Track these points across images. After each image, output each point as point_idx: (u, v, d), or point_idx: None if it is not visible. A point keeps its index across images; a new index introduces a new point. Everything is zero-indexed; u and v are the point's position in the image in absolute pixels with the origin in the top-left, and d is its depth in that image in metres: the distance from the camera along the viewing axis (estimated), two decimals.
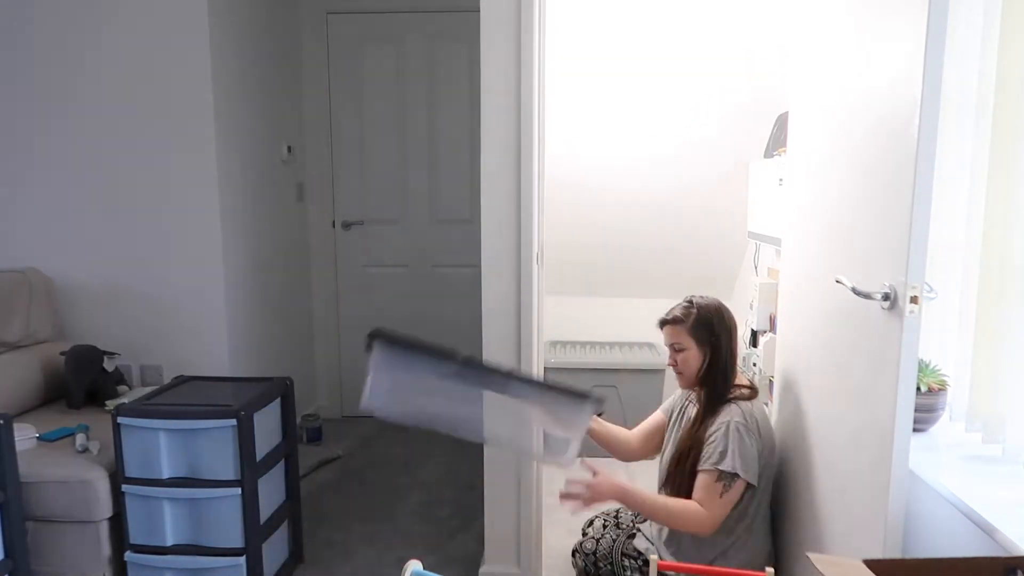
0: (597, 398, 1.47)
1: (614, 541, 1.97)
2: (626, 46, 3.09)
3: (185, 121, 2.76)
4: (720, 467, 1.75)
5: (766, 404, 2.07)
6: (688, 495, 1.80)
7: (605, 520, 2.10)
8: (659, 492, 1.97)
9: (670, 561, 1.83)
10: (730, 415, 1.80)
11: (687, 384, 1.94)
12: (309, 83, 3.78)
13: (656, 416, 2.12)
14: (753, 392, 1.89)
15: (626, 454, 2.11)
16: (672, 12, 3.02)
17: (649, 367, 3.31)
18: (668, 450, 1.99)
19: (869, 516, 1.59)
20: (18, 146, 2.81)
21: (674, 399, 2.08)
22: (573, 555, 2.03)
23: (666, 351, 1.97)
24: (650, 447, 2.09)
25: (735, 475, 1.74)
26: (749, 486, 1.79)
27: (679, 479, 1.86)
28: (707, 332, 1.87)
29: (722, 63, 3.07)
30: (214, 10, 2.75)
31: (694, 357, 1.88)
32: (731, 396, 1.85)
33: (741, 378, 1.92)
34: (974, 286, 1.70)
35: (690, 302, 1.92)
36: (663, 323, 1.93)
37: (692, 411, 1.94)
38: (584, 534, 2.08)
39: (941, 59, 1.40)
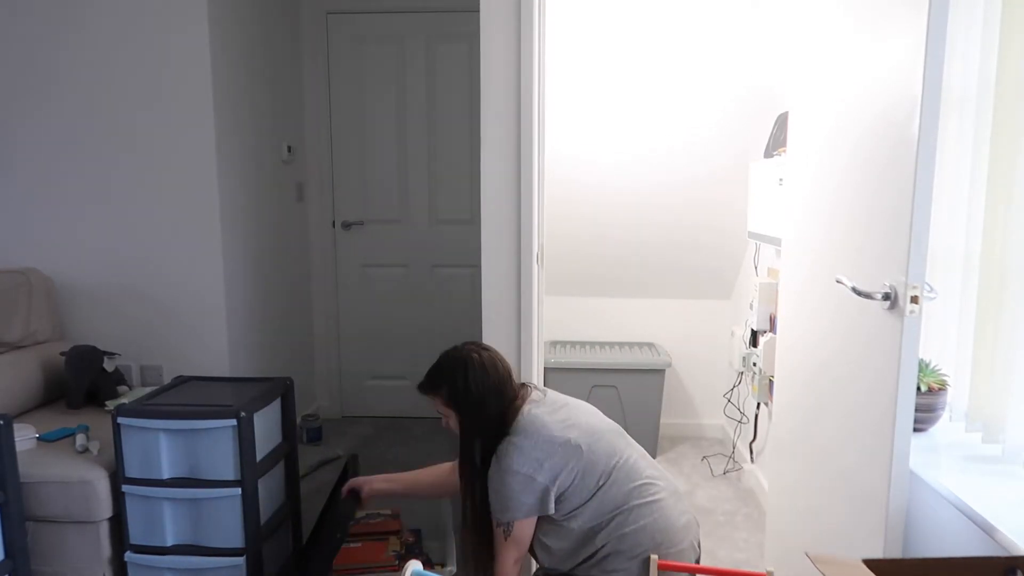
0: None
1: None
2: (626, 46, 3.09)
3: (185, 121, 2.76)
4: (495, 517, 1.74)
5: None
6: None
7: None
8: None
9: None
10: (496, 457, 1.74)
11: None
12: (309, 83, 3.78)
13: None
14: (521, 396, 1.80)
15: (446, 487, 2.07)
16: (672, 12, 3.03)
17: (649, 367, 3.31)
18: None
19: (869, 516, 1.59)
20: (18, 147, 2.81)
21: None
22: None
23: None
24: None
25: (508, 523, 1.73)
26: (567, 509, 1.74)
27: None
28: (456, 401, 1.78)
29: (722, 63, 3.08)
30: (214, 10, 2.75)
31: (456, 421, 1.82)
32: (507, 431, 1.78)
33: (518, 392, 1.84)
34: (974, 286, 1.70)
35: (438, 367, 1.83)
36: (419, 390, 1.86)
37: None
38: None
39: (941, 58, 1.40)
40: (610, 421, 1.88)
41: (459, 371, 1.78)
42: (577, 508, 1.73)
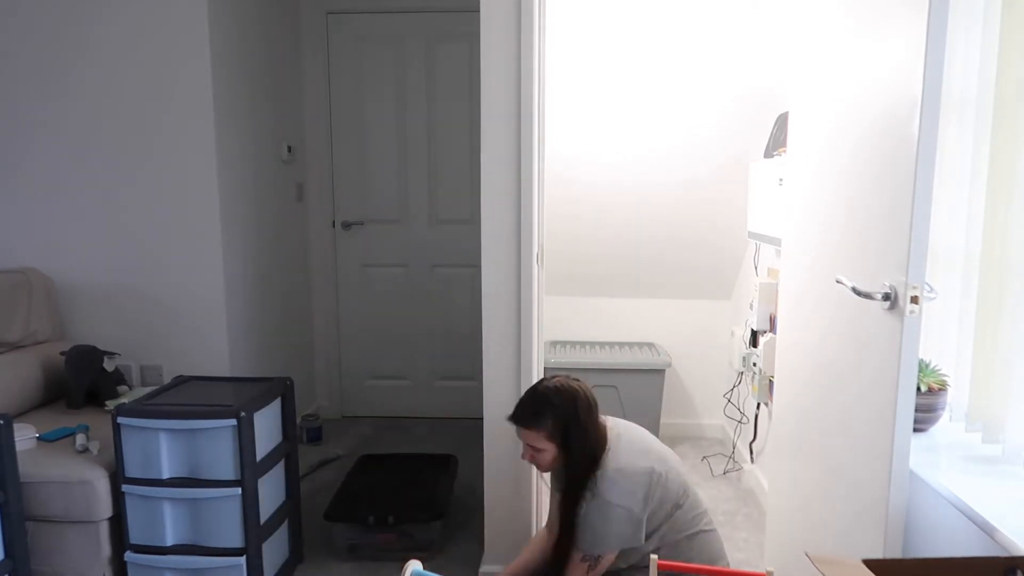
0: None
1: None
2: (626, 46, 3.09)
3: (185, 121, 2.76)
4: (583, 551, 1.74)
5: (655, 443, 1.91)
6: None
7: None
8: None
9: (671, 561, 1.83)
10: (592, 492, 1.73)
11: (544, 471, 1.87)
12: (309, 83, 3.78)
13: (553, 496, 2.00)
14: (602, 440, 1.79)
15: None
16: (672, 12, 3.03)
17: (649, 367, 3.31)
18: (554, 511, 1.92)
19: (869, 516, 1.59)
20: (18, 146, 2.81)
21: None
22: None
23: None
24: None
25: (598, 556, 1.74)
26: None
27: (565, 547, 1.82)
28: (563, 435, 1.76)
29: (722, 63, 3.08)
30: (214, 10, 2.75)
31: (551, 456, 1.79)
32: (596, 466, 1.76)
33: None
34: (974, 286, 1.70)
35: (543, 399, 1.79)
36: (513, 422, 1.82)
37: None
38: None
39: (941, 59, 1.40)
40: (662, 443, 1.91)
41: (569, 403, 1.76)
42: (651, 534, 1.77)
